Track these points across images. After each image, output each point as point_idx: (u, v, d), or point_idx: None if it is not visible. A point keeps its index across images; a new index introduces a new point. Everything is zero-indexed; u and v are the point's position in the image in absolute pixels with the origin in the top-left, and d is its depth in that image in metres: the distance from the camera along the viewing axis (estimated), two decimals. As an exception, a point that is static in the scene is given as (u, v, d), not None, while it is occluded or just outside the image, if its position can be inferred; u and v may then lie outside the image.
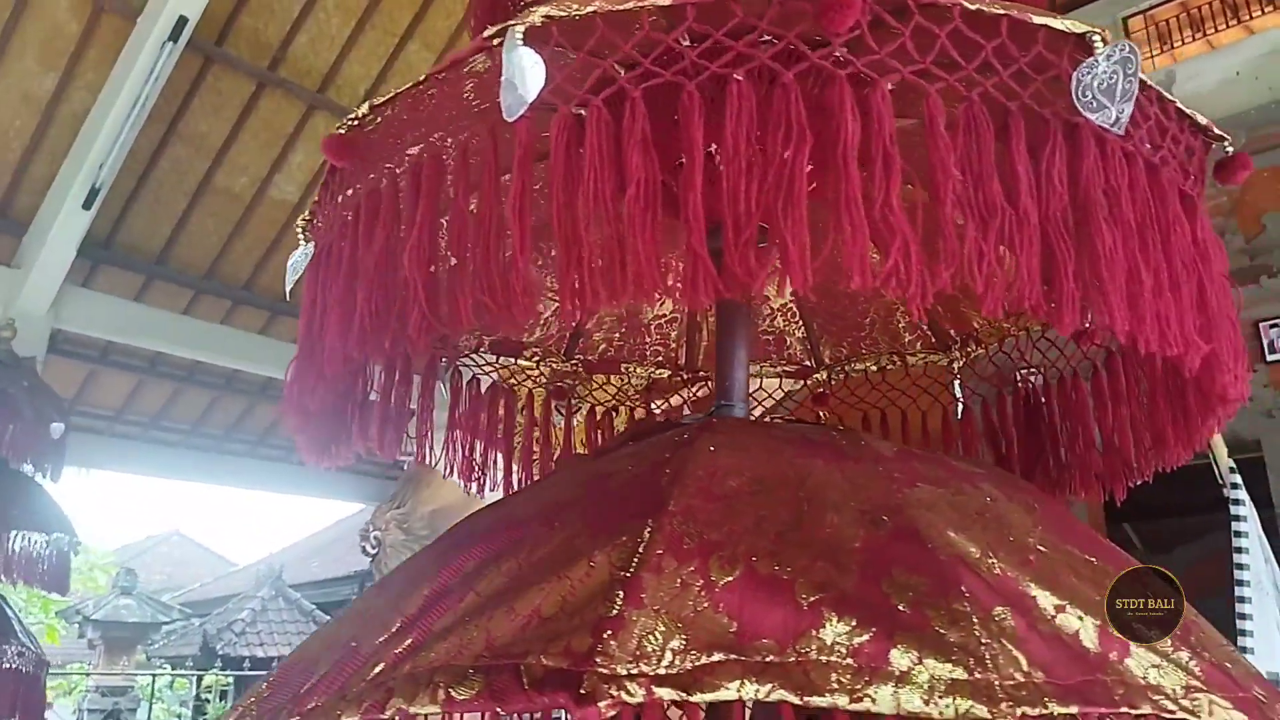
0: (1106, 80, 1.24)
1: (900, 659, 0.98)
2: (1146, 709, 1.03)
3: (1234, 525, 5.65)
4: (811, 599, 1.04)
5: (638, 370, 2.63)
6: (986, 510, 1.28)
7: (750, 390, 2.51)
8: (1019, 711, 0.94)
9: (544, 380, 2.57)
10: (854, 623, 1.02)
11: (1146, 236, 1.29)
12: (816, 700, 0.95)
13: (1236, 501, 5.71)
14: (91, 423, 10.02)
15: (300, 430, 1.72)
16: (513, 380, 2.57)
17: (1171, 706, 1.05)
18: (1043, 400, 2.19)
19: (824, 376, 2.60)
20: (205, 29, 7.56)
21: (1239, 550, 5.60)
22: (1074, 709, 0.98)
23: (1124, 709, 1.02)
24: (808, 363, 2.61)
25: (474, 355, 2.42)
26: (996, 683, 0.97)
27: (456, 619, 1.16)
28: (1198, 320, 1.33)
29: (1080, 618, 1.12)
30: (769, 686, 0.96)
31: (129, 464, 10.95)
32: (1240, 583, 5.50)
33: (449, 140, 1.40)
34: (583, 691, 0.95)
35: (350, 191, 1.52)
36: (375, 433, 2.12)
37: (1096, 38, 1.25)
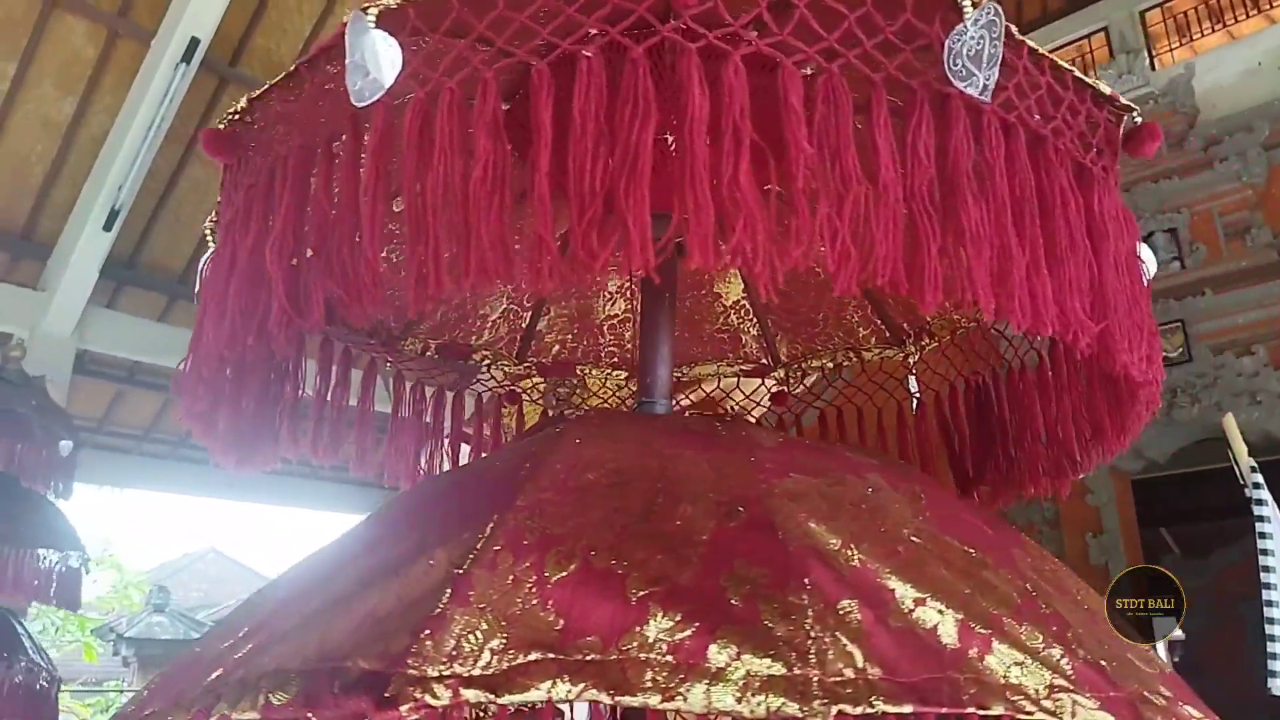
0: (974, 46, 1.19)
1: (718, 655, 0.93)
2: (999, 709, 0.97)
3: (1258, 527, 5.51)
4: (641, 594, 0.99)
5: (593, 372, 2.59)
6: (864, 501, 1.23)
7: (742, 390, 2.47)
8: (834, 710, 0.88)
9: (537, 386, 2.54)
10: (679, 618, 0.96)
11: (1024, 211, 1.23)
12: (628, 700, 0.90)
13: (1259, 502, 5.57)
14: (120, 442, 10.13)
15: (205, 435, 1.70)
16: (487, 384, 2.54)
17: (1029, 707, 0.98)
18: (992, 393, 2.12)
19: (782, 374, 2.54)
20: (219, 49, 7.65)
21: (1264, 552, 5.45)
22: (907, 708, 0.92)
23: (971, 709, 0.96)
24: (765, 360, 2.55)
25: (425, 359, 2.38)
26: (816, 679, 0.91)
27: (300, 621, 1.13)
28: (1087, 299, 1.27)
29: (941, 612, 1.06)
30: (581, 685, 0.91)
31: (158, 482, 11.05)
32: (1267, 585, 5.36)
33: (317, 132, 1.37)
34: (387, 695, 0.91)
35: (235, 188, 1.50)
36: (311, 437, 2.10)
37: (966, 1, 1.20)
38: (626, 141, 1.11)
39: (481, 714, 1.84)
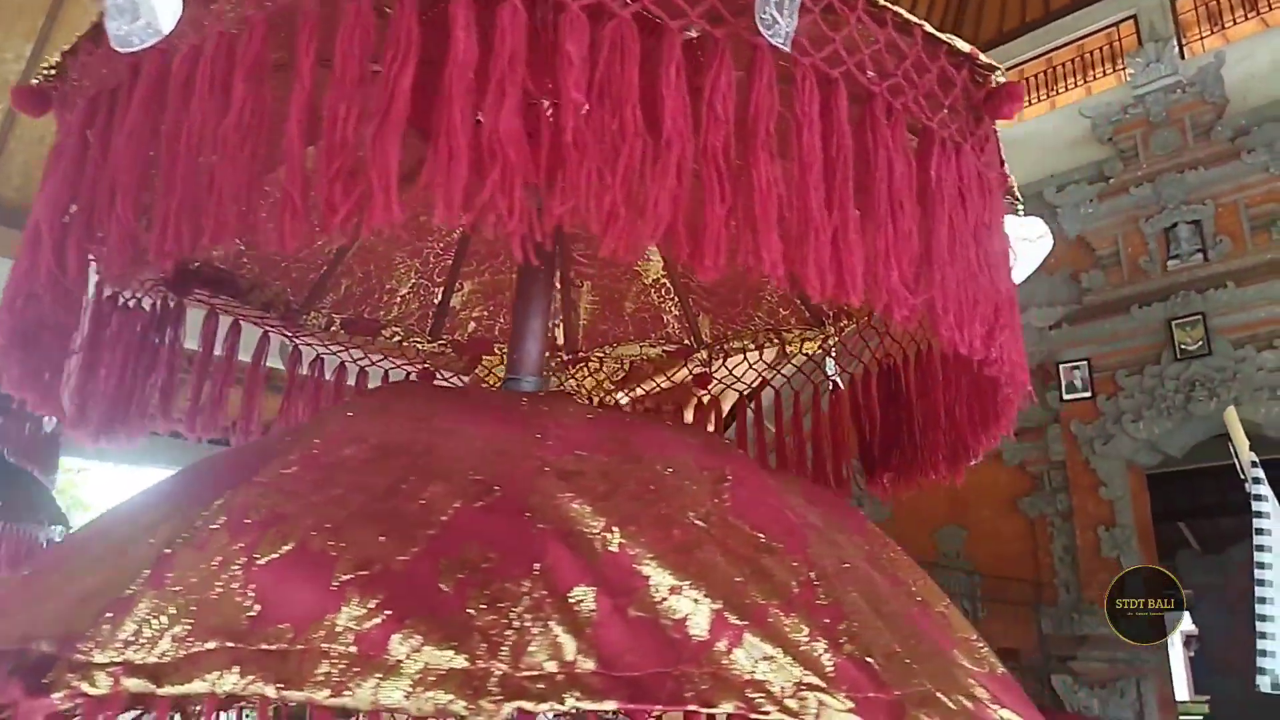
0: (784, -8, 1.09)
1: (399, 647, 0.84)
2: (729, 707, 0.88)
3: (1255, 523, 5.36)
4: (344, 579, 0.91)
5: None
6: (656, 481, 1.14)
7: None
8: (510, 707, 0.80)
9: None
10: (373, 605, 0.88)
11: (835, 172, 1.13)
12: (294, 695, 0.82)
13: (1259, 498, 5.42)
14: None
15: (42, 405, 1.63)
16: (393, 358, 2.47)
17: (768, 706, 0.90)
18: (902, 378, 2.02)
19: (705, 356, 2.45)
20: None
21: (1260, 548, 5.30)
22: (610, 705, 0.84)
23: (693, 707, 0.87)
24: (687, 341, 2.46)
25: (326, 334, 2.31)
26: (499, 673, 0.83)
27: (26, 600, 1.06)
28: (909, 269, 1.17)
29: (697, 601, 0.97)
30: (250, 678, 0.83)
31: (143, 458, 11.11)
32: (1261, 582, 5.21)
33: (103, 84, 1.30)
34: (45, 681, 0.84)
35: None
36: (189, 411, 2.04)
37: (777, -55, 1.10)
38: (382, 86, 1.03)
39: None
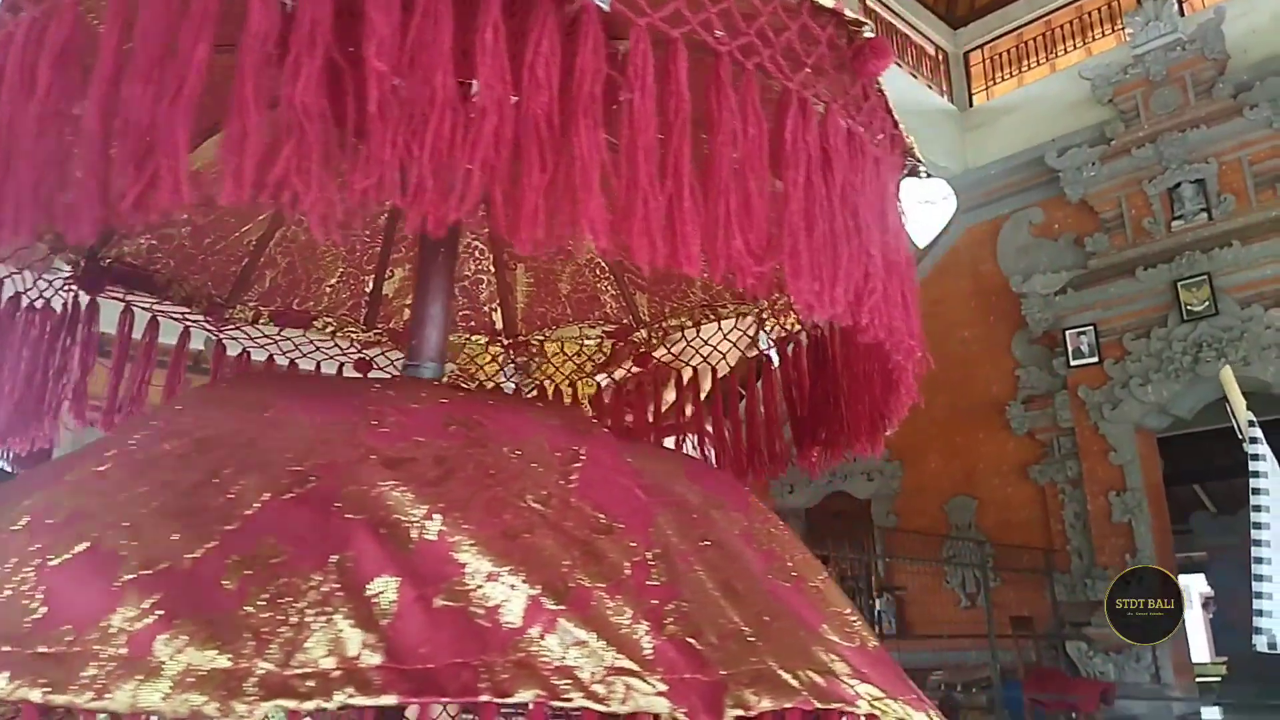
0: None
1: (163, 648, 0.81)
2: (529, 695, 0.85)
3: (1252, 482, 5.30)
4: (127, 578, 0.87)
5: (449, 338, 2.47)
6: (497, 464, 1.10)
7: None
8: (264, 709, 0.77)
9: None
10: (147, 605, 0.85)
11: (671, 137, 1.08)
12: (57, 699, 0.79)
13: (1255, 456, 5.35)
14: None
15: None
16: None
17: (573, 693, 0.86)
18: (830, 349, 1.97)
19: (644, 335, 2.40)
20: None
21: (1257, 509, 5.24)
22: (390, 698, 0.80)
23: (486, 698, 0.83)
24: (626, 321, 2.42)
25: (256, 327, 2.28)
26: (262, 673, 0.79)
27: None
28: (756, 235, 1.12)
29: (514, 587, 0.93)
30: (17, 683, 0.80)
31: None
32: (1258, 542, 5.15)
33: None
34: None
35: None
36: (105, 410, 2.01)
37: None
38: (176, 64, 0.99)
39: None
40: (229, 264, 2.19)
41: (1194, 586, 16.76)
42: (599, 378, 2.61)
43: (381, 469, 1.04)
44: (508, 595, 0.93)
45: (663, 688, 0.89)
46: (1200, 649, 14.03)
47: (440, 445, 1.11)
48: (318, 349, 2.38)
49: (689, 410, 2.37)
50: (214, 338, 2.22)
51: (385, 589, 0.89)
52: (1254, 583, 5.00)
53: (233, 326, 2.25)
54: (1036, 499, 10.76)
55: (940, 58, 12.49)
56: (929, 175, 1.63)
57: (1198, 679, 10.19)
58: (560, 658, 0.89)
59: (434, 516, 0.99)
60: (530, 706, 0.87)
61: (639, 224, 1.04)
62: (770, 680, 0.97)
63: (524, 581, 0.94)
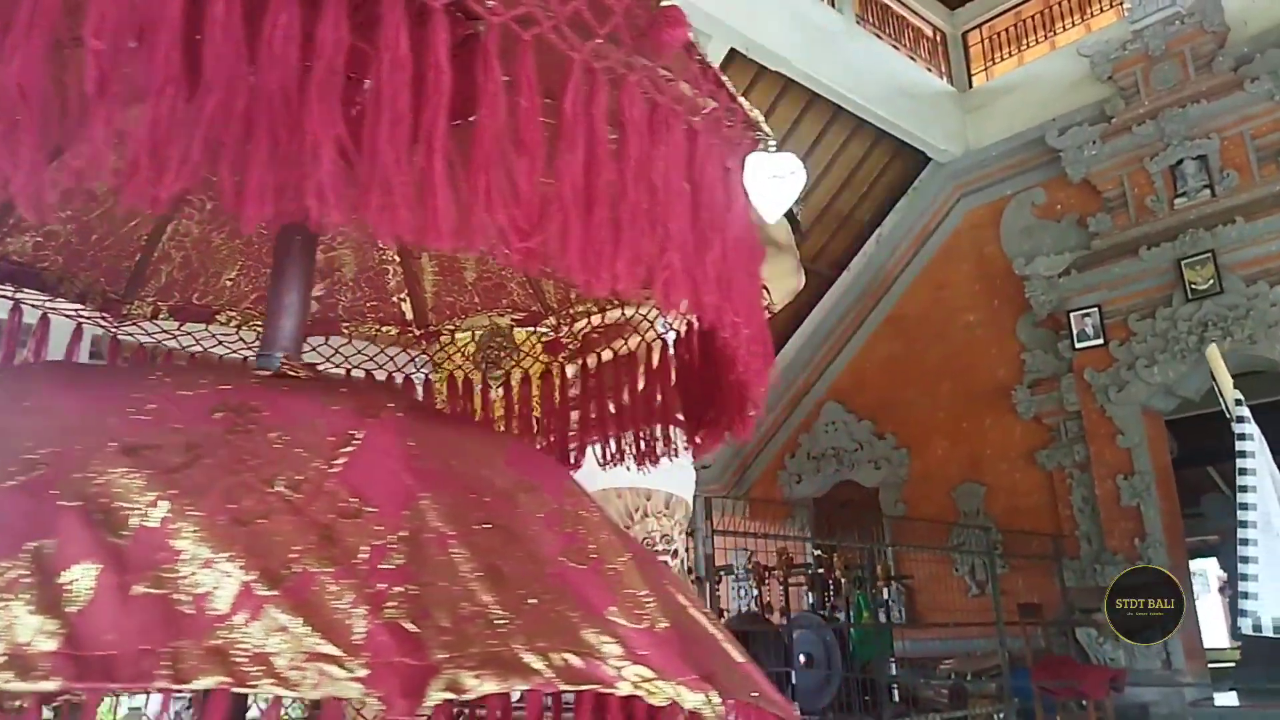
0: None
1: None
2: (210, 682, 0.82)
3: (1239, 462, 5.22)
4: None
5: (360, 329, 2.45)
6: (255, 450, 1.07)
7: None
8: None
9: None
10: None
11: (424, 112, 1.05)
12: None
13: (1242, 436, 5.27)
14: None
15: None
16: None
17: (264, 679, 0.84)
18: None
19: (554, 322, 2.38)
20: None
21: (1243, 489, 5.16)
22: (52, 684, 0.78)
23: (162, 684, 0.81)
24: (535, 308, 2.39)
25: (153, 323, 2.27)
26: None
27: None
28: (521, 211, 1.09)
29: (229, 574, 0.91)
30: None
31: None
32: (1244, 524, 5.07)
33: None
34: None
35: None
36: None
37: None
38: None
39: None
40: (121, 260, 2.18)
41: (1210, 571, 16.54)
42: (569, 369, 2.58)
43: (118, 456, 1.02)
44: (219, 582, 0.91)
45: (362, 673, 0.86)
46: (1217, 634, 13.84)
47: (197, 432, 1.09)
48: (220, 343, 2.37)
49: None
50: (110, 333, 2.22)
51: (82, 576, 0.87)
52: (1239, 564, 4.93)
53: (130, 323, 2.24)
54: (1044, 484, 10.65)
55: (938, 38, 12.37)
56: (776, 148, 1.59)
57: (1210, 664, 10.05)
58: (260, 644, 0.87)
59: (159, 504, 0.96)
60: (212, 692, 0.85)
61: (377, 200, 1.01)
62: (505, 662, 0.94)
63: (240, 568, 0.92)
